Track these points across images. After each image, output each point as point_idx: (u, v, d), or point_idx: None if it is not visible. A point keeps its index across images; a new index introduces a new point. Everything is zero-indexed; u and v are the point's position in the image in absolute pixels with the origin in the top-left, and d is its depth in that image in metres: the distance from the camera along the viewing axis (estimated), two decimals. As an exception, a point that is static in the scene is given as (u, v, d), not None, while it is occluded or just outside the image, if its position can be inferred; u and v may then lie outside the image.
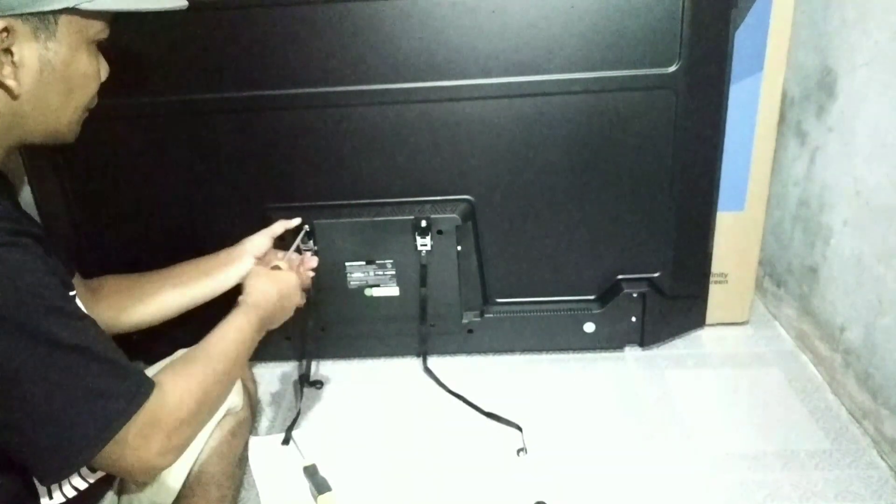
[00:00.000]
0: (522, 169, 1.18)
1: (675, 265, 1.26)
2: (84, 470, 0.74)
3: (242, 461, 1.05)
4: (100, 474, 0.77)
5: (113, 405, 0.63)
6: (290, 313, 0.98)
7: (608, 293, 1.29)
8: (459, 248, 1.22)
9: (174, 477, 0.91)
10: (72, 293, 0.71)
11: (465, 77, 1.11)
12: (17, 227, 0.61)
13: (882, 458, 1.06)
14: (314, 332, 1.28)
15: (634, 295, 1.27)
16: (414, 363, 1.33)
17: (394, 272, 1.24)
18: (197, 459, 0.94)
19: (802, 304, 1.33)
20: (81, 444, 0.62)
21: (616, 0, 1.06)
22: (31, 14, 0.62)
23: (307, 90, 1.12)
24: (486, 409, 1.19)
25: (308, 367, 1.27)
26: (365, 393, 1.27)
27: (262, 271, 0.98)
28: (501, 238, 1.24)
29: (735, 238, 1.29)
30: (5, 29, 0.61)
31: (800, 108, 1.31)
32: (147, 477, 0.69)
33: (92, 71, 0.71)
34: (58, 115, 0.70)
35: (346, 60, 1.10)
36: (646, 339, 1.33)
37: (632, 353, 1.34)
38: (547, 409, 1.20)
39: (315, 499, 1.02)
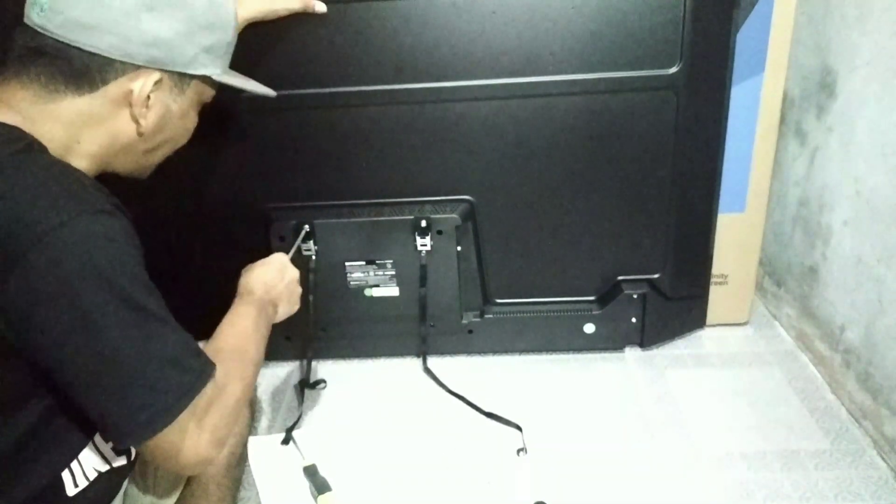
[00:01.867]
0: (522, 169, 1.18)
1: (675, 266, 1.26)
2: (108, 453, 0.75)
3: (242, 461, 1.05)
4: (122, 461, 0.77)
5: (188, 378, 0.66)
6: (295, 290, 0.97)
7: (608, 294, 1.29)
8: (459, 248, 1.22)
9: (175, 476, 0.91)
10: None
11: (465, 78, 1.11)
12: (117, 203, 0.67)
13: (882, 458, 1.06)
14: (314, 332, 1.28)
15: (635, 296, 1.27)
16: (414, 363, 1.33)
17: (393, 272, 1.24)
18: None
19: (802, 304, 1.33)
20: (159, 409, 0.64)
21: (617, 1, 1.06)
22: (177, 72, 0.74)
23: (306, 91, 1.12)
24: (486, 409, 1.19)
25: (308, 369, 1.27)
26: (365, 393, 1.27)
27: (251, 265, 0.97)
28: (501, 238, 1.24)
29: (735, 239, 1.29)
30: (159, 80, 0.73)
31: (800, 109, 1.31)
32: (199, 468, 0.70)
33: (192, 126, 0.83)
34: (152, 155, 0.81)
35: (346, 61, 1.10)
36: (646, 339, 1.33)
37: (632, 353, 1.34)
38: (547, 410, 1.20)
39: (315, 499, 1.02)
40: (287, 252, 1.10)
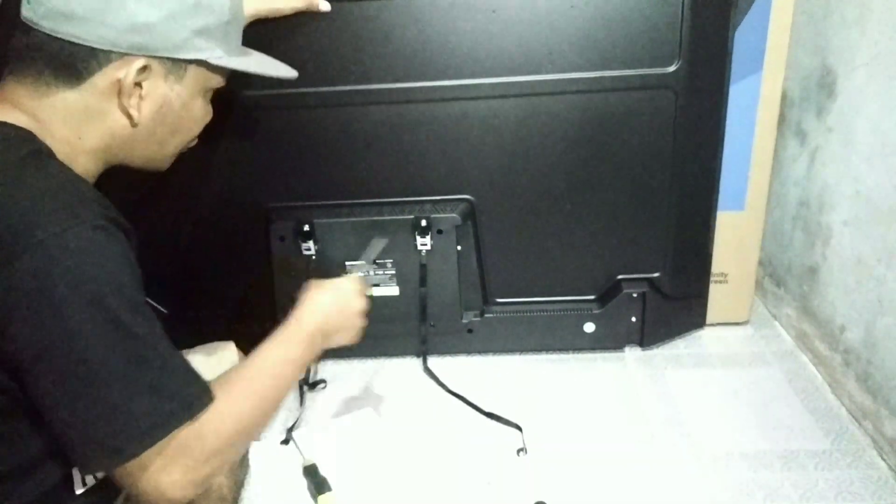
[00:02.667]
0: (522, 168, 1.18)
1: (675, 265, 1.26)
2: None
3: (243, 461, 1.05)
4: None
5: (167, 407, 0.62)
6: (356, 323, 0.90)
7: (608, 293, 1.29)
8: (459, 247, 1.22)
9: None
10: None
11: (464, 77, 1.11)
12: (113, 216, 0.64)
13: (882, 458, 1.06)
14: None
15: (634, 295, 1.27)
16: (414, 363, 1.33)
17: (394, 272, 1.24)
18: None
19: (802, 304, 1.33)
20: (130, 436, 0.61)
21: (616, 0, 1.06)
22: (169, 58, 0.71)
23: (306, 90, 1.11)
24: (486, 409, 1.19)
25: (308, 369, 1.27)
26: (365, 393, 1.27)
27: (319, 282, 0.89)
28: (501, 238, 1.24)
29: (735, 238, 1.29)
30: (146, 67, 0.69)
31: (800, 108, 1.31)
32: None
33: (201, 115, 0.80)
34: (161, 147, 0.78)
35: (346, 60, 1.10)
36: (646, 339, 1.32)
37: (632, 353, 1.34)
38: (547, 410, 1.20)
39: (315, 499, 1.02)
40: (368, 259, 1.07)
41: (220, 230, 1.24)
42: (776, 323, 1.42)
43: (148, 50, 0.69)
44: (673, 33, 1.08)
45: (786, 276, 1.40)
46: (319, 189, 1.20)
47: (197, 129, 0.82)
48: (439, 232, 1.20)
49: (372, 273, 1.16)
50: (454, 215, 1.19)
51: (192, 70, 0.74)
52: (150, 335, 0.63)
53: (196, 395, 0.65)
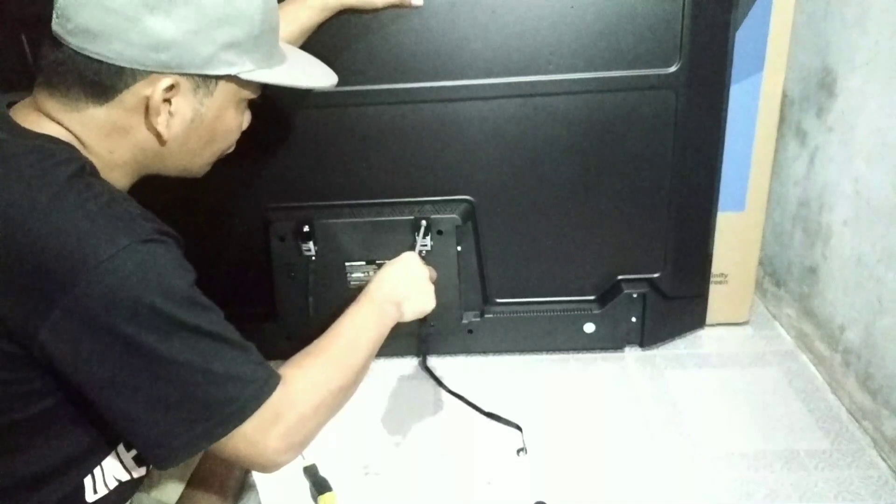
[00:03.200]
0: (523, 169, 1.18)
1: (675, 266, 1.26)
2: (129, 462, 0.75)
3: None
4: (142, 471, 0.77)
5: (246, 391, 0.65)
6: (424, 289, 0.92)
7: (608, 293, 1.29)
8: (459, 248, 1.22)
9: (177, 478, 0.91)
10: None
11: (465, 77, 1.11)
12: (162, 229, 0.66)
13: (882, 458, 1.06)
14: (314, 332, 1.28)
15: (634, 295, 1.27)
16: (414, 363, 1.33)
17: (394, 272, 1.24)
18: (199, 460, 0.94)
19: (802, 304, 1.33)
20: (209, 426, 0.64)
21: (616, 0, 1.06)
22: (197, 74, 0.69)
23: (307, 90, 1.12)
24: (486, 409, 1.19)
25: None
26: (365, 393, 1.27)
27: (387, 265, 0.94)
28: (501, 238, 1.24)
29: (735, 238, 1.29)
30: (173, 85, 0.68)
31: (800, 108, 1.31)
32: (270, 470, 0.70)
33: (235, 126, 0.78)
34: (194, 158, 0.77)
35: (345, 60, 1.10)
36: (646, 339, 1.33)
37: (632, 353, 1.34)
38: (547, 409, 1.20)
39: (315, 499, 1.02)
40: (413, 249, 1.08)
41: (220, 230, 1.24)
42: (776, 323, 1.42)
43: (174, 67, 0.67)
44: (673, 34, 1.08)
45: (786, 276, 1.40)
46: (319, 189, 1.20)
47: (233, 137, 0.80)
48: (439, 233, 1.20)
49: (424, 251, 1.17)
50: (454, 216, 1.19)
51: (223, 84, 0.72)
52: (218, 330, 0.66)
53: (267, 376, 0.68)
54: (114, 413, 0.64)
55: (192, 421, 0.63)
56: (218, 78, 0.71)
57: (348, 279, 1.25)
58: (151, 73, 0.67)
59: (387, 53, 1.09)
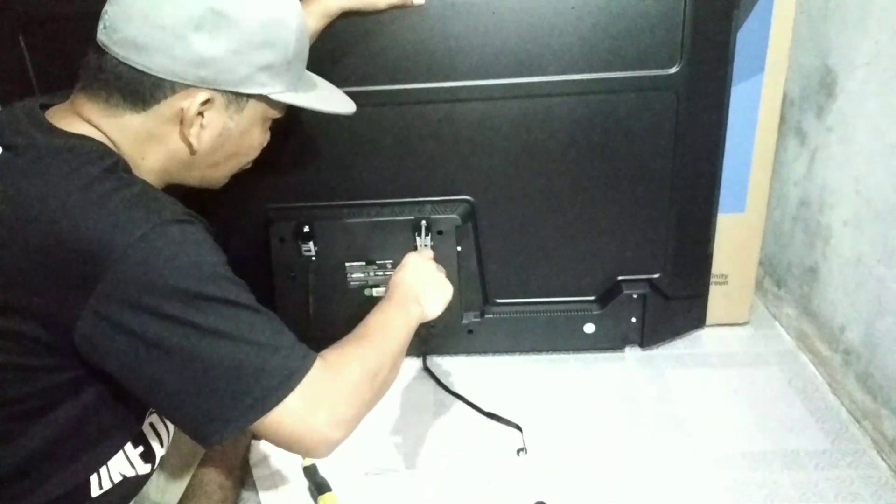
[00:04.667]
0: (523, 170, 1.18)
1: (675, 266, 1.26)
2: (136, 459, 0.76)
3: (245, 462, 1.05)
4: (147, 468, 0.78)
5: (290, 360, 0.67)
6: (441, 284, 0.96)
7: (608, 294, 1.29)
8: (459, 248, 1.22)
9: (177, 478, 0.91)
10: None
11: (465, 78, 1.10)
12: (191, 213, 0.68)
13: (882, 458, 1.06)
14: (314, 332, 1.28)
15: (635, 296, 1.27)
16: (414, 363, 1.33)
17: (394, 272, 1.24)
18: (199, 461, 0.95)
19: (802, 304, 1.33)
20: (264, 389, 0.65)
21: (617, 1, 1.06)
22: (232, 91, 0.73)
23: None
24: (486, 409, 1.19)
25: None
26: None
27: (402, 265, 0.96)
28: (502, 239, 1.24)
29: (735, 240, 1.29)
30: (209, 99, 0.72)
31: (800, 109, 1.31)
32: (322, 449, 0.69)
33: (258, 143, 0.83)
34: (217, 170, 0.82)
35: (345, 61, 1.10)
36: (646, 339, 1.33)
37: (632, 353, 1.34)
38: (547, 409, 1.20)
39: (315, 499, 1.02)
40: (420, 249, 1.11)
41: (220, 231, 1.24)
42: (776, 323, 1.42)
43: (212, 83, 0.71)
44: (674, 35, 1.07)
45: (786, 276, 1.40)
46: (320, 190, 1.20)
47: (253, 153, 0.84)
48: (439, 233, 1.20)
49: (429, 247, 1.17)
50: (454, 216, 1.19)
51: (253, 103, 0.76)
52: (253, 303, 0.68)
53: (304, 354, 0.69)
54: (158, 397, 0.65)
55: (240, 393, 0.64)
56: (250, 96, 0.75)
57: (348, 280, 1.25)
58: (190, 86, 0.70)
59: (387, 54, 1.09)
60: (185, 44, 0.68)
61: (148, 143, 0.72)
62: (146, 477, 0.79)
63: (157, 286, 0.61)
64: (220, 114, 0.74)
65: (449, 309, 1.29)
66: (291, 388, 0.65)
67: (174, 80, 0.69)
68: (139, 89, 0.70)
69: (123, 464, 0.74)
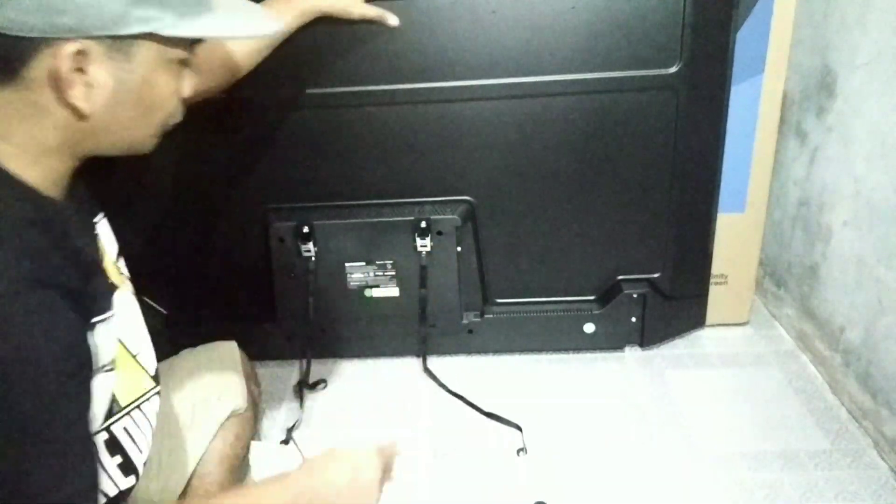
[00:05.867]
0: (523, 170, 1.18)
1: (675, 266, 1.26)
2: (114, 471, 0.71)
3: (244, 462, 1.05)
4: (130, 481, 0.73)
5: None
6: (371, 495, 0.78)
7: (608, 294, 1.29)
8: (459, 248, 1.22)
9: (177, 478, 0.91)
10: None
11: (465, 78, 1.10)
12: (41, 276, 0.56)
13: (882, 458, 1.06)
14: (314, 332, 1.28)
15: (635, 295, 1.27)
16: (414, 363, 1.33)
17: (393, 273, 1.24)
18: (200, 461, 0.94)
19: (802, 304, 1.33)
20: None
21: (617, 1, 1.06)
22: (108, 36, 0.59)
23: (307, 91, 1.12)
24: (486, 409, 1.19)
25: (308, 370, 1.27)
26: (365, 393, 1.27)
27: (335, 453, 0.80)
28: (502, 239, 1.24)
29: (735, 240, 1.29)
30: (80, 51, 0.58)
31: (800, 109, 1.31)
32: None
33: (170, 91, 0.67)
34: (132, 132, 0.67)
35: (345, 61, 1.10)
36: (646, 339, 1.33)
37: (632, 353, 1.34)
38: (547, 409, 1.20)
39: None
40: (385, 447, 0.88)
41: (221, 231, 1.24)
42: (776, 323, 1.42)
43: (78, 31, 0.57)
44: (674, 34, 1.07)
45: (786, 276, 1.40)
46: (319, 190, 1.20)
47: (172, 104, 0.69)
48: (439, 233, 1.20)
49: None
50: (454, 217, 1.19)
51: (142, 44, 0.61)
52: (47, 423, 0.56)
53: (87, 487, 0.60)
54: None
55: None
56: (134, 37, 0.60)
57: (348, 280, 1.25)
58: (55, 40, 0.57)
59: (386, 54, 1.09)
60: None
61: (31, 120, 0.60)
62: (130, 490, 0.73)
63: None
64: (105, 66, 0.60)
65: (449, 309, 1.30)
66: None
67: (33, 35, 0.56)
68: None
69: (103, 480, 0.67)
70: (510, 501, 1.01)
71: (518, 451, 1.10)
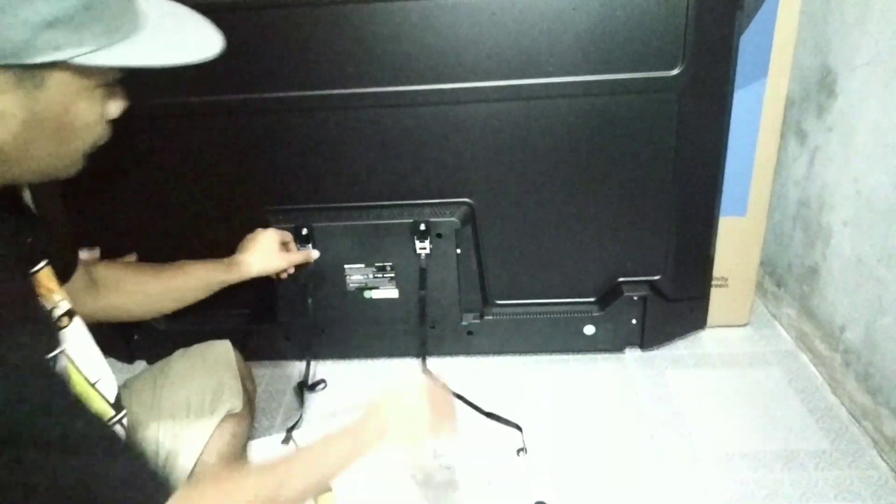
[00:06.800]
0: (523, 172, 1.18)
1: (676, 269, 1.26)
2: None
3: (243, 461, 1.05)
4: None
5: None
6: (422, 420, 0.84)
7: (609, 296, 1.28)
8: (459, 250, 1.22)
9: (175, 478, 0.91)
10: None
11: (465, 80, 1.10)
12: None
13: (882, 458, 1.06)
14: (314, 333, 1.28)
15: (635, 298, 1.27)
16: (414, 364, 1.33)
17: (393, 275, 1.24)
18: (198, 460, 0.95)
19: (802, 304, 1.33)
20: None
21: (619, 2, 1.05)
22: (14, 65, 0.53)
23: (307, 93, 1.12)
24: (486, 409, 1.19)
25: (308, 369, 1.27)
26: (365, 393, 1.26)
27: (385, 392, 0.84)
28: (501, 241, 1.24)
29: (736, 243, 1.29)
30: None
31: (800, 109, 1.31)
32: None
33: (93, 118, 0.62)
34: (52, 160, 0.62)
35: (345, 63, 1.10)
36: (646, 341, 1.32)
37: (632, 353, 1.34)
38: (547, 410, 1.20)
39: (315, 499, 1.02)
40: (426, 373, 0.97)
41: (220, 232, 1.24)
42: (776, 323, 1.42)
43: None
44: (677, 36, 1.07)
45: (786, 277, 1.40)
46: (319, 192, 1.20)
47: (96, 131, 0.63)
48: (438, 236, 1.20)
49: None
50: (454, 219, 1.19)
51: (54, 73, 0.56)
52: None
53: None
54: None
55: None
56: (44, 66, 0.55)
57: (347, 281, 1.25)
58: None
59: (386, 56, 1.09)
60: None
61: None
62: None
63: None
64: (14, 95, 0.55)
65: (449, 311, 1.30)
66: None
67: None
68: None
69: None
70: (510, 501, 1.01)
71: (518, 451, 1.10)
